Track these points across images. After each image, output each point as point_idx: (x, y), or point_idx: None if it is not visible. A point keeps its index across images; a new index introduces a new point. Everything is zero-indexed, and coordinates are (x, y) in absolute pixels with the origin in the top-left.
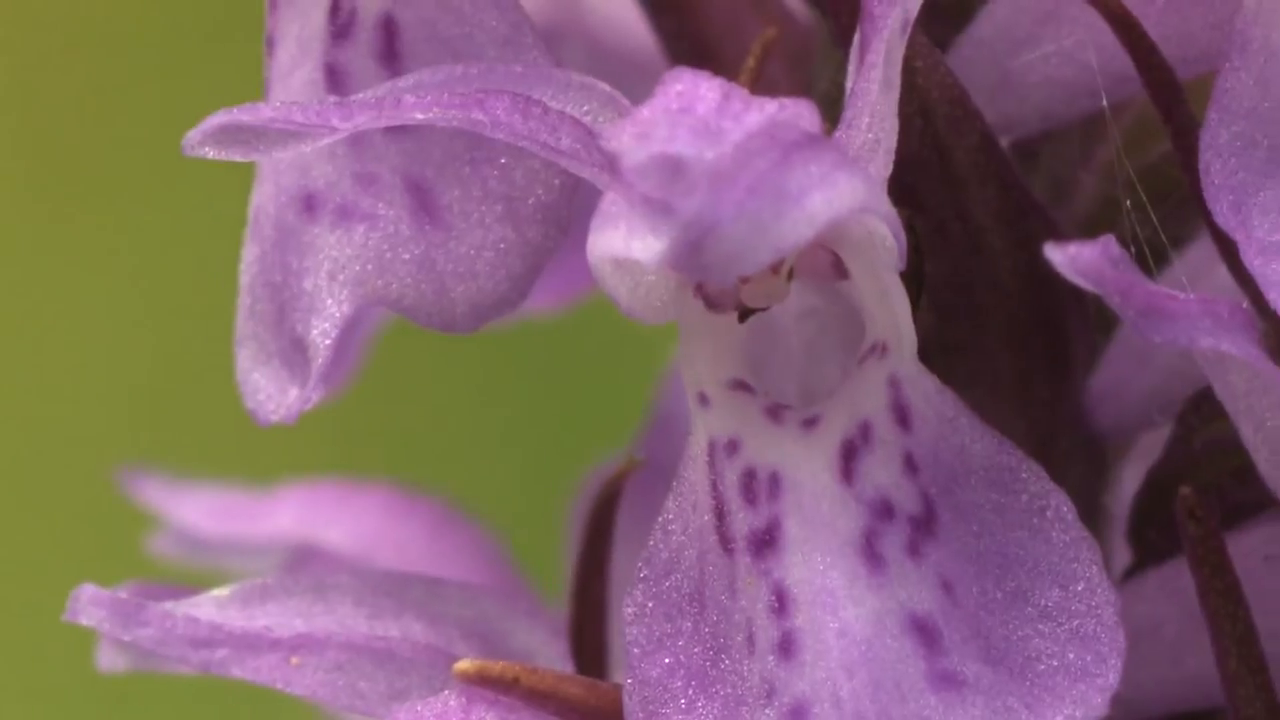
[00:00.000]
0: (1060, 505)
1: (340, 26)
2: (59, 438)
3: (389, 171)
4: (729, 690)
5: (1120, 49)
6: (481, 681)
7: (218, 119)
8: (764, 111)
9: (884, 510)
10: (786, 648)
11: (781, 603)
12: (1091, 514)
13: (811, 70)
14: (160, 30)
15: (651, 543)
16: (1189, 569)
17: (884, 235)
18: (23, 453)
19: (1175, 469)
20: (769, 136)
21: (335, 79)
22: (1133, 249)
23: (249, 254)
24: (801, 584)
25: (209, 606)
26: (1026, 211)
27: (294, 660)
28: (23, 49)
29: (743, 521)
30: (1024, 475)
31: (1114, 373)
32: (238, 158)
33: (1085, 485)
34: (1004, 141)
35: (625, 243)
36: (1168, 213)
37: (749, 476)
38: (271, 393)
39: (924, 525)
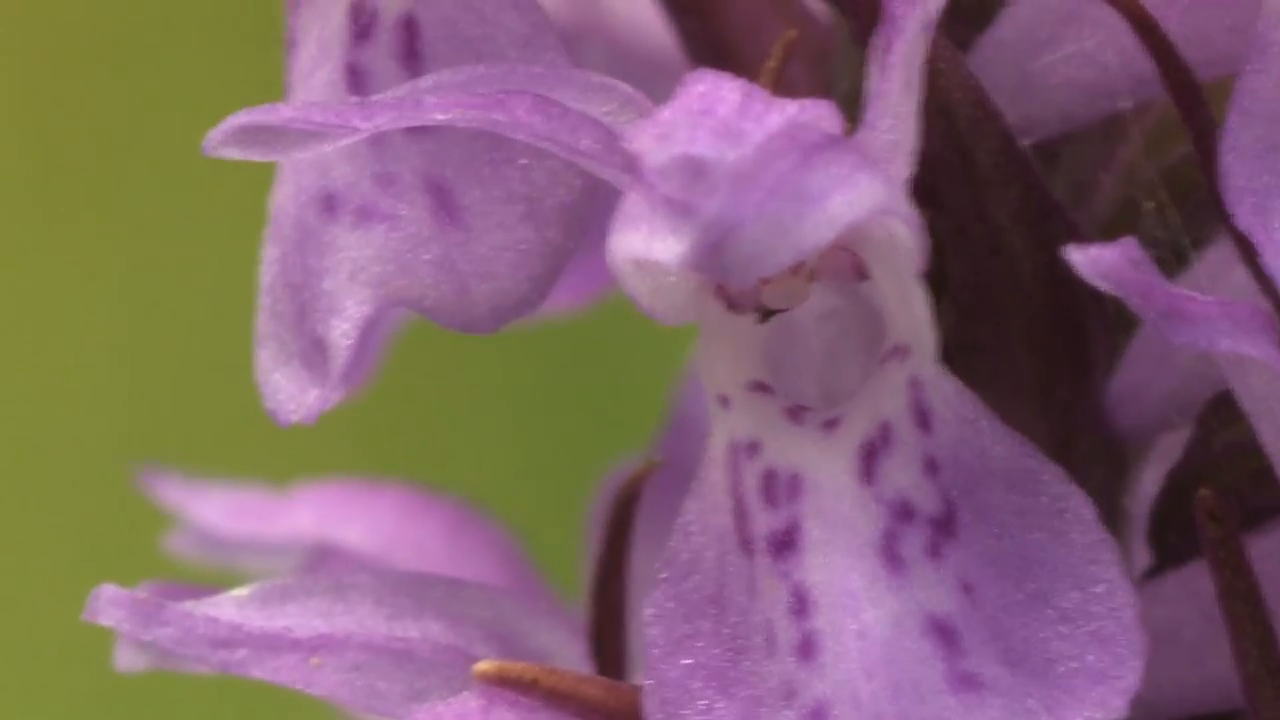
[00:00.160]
0: (1080, 507)
1: (361, 27)
2: (76, 437)
3: (409, 172)
4: (748, 691)
5: (1141, 51)
6: (501, 682)
7: (239, 119)
8: (785, 113)
9: (904, 512)
10: (806, 649)
11: (801, 604)
12: (1111, 516)
13: (832, 71)
14: (160, 30)
15: (671, 544)
16: (1209, 571)
17: (905, 236)
18: (40, 453)
19: (1195, 471)
20: (790, 138)
21: (356, 79)
22: (1153, 251)
23: (269, 254)
24: (821, 585)
25: (229, 606)
26: (1047, 213)
27: (314, 661)
28: (23, 49)
29: (763, 523)
30: (1044, 477)
31: (1134, 375)
32: (258, 158)
33: (1105, 487)
34: (1025, 143)
35: (646, 244)
36: (1188, 215)
37: (769, 478)
38: (292, 393)
39: (944, 527)
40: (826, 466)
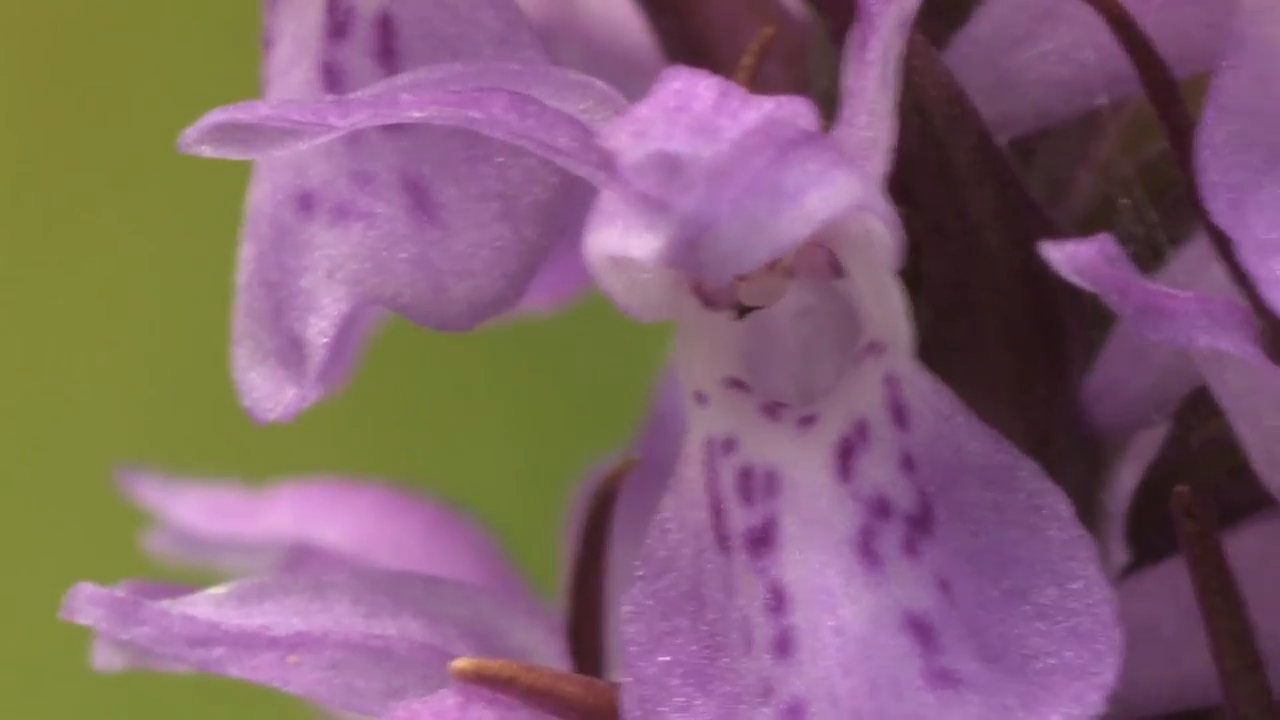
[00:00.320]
0: (1057, 504)
1: (337, 24)
2: (55, 437)
3: (386, 170)
4: (726, 688)
5: (1118, 48)
6: (479, 680)
7: (214, 117)
8: (761, 109)
9: (881, 508)
10: (783, 646)
11: (778, 601)
12: (1089, 513)
13: (808, 69)
14: (161, 30)
15: (648, 541)
16: (1186, 567)
17: (881, 233)
18: (19, 452)
19: (1172, 468)
20: (766, 134)
21: (332, 77)
22: (1130, 248)
23: (246, 252)
24: (798, 582)
25: (206, 605)
26: (1024, 210)
27: (291, 659)
28: (23, 49)
29: (740, 519)
30: (1021, 474)
31: (1111, 372)
32: (234, 156)
33: (1082, 484)
34: (1001, 140)
35: (622, 240)
36: (1165, 211)
37: (746, 475)
38: (269, 391)
39: (921, 523)
40: (803, 463)
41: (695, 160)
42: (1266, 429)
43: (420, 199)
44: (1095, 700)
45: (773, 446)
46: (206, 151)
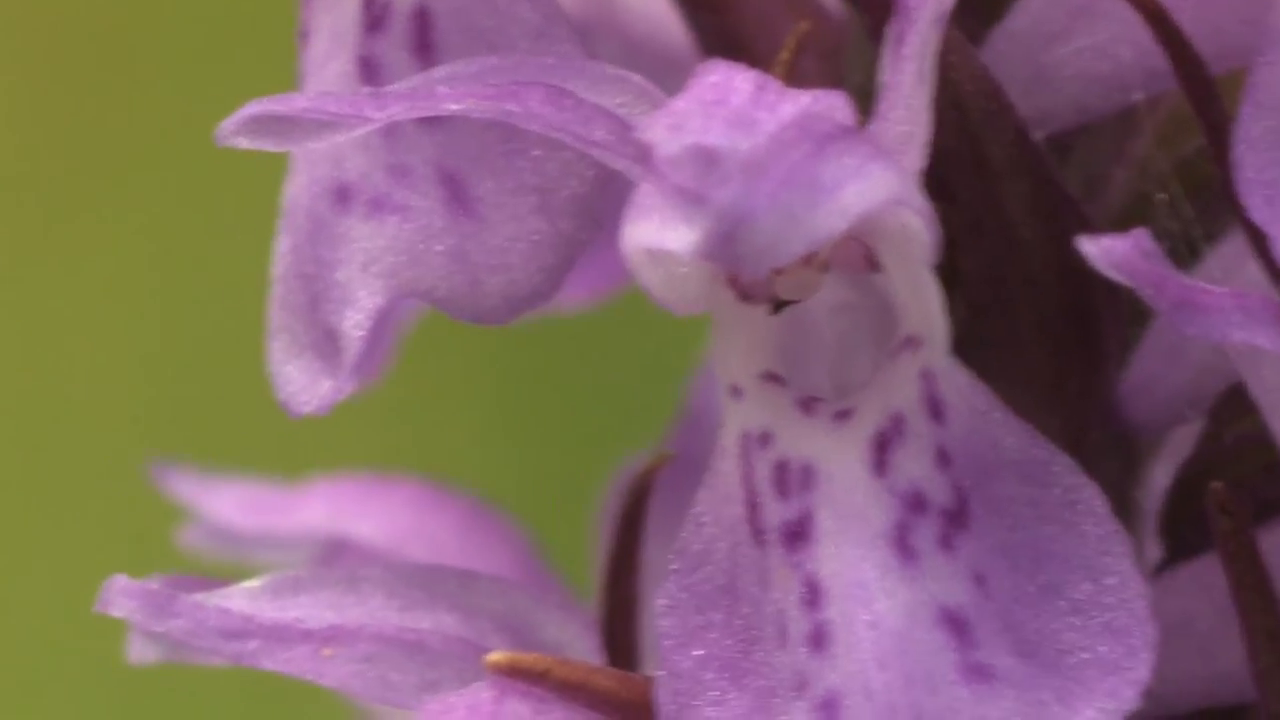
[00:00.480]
0: (1093, 499)
1: (374, 18)
2: (89, 431)
3: (422, 163)
4: (761, 682)
5: (1154, 44)
6: (513, 673)
7: (251, 108)
8: (798, 103)
9: (916, 503)
10: (818, 640)
11: (813, 595)
12: (1123, 509)
13: (844, 64)
14: (161, 30)
15: (683, 535)
16: (1220, 564)
17: (917, 228)
18: (53, 447)
19: (1207, 464)
20: (803, 128)
21: (369, 71)
22: (1166, 244)
23: (282, 245)
24: (833, 576)
25: (241, 598)
26: (1060, 206)
27: (325, 652)
28: (23, 49)
29: (775, 513)
30: (1056, 469)
31: (1147, 368)
32: (270, 148)
33: (1117, 480)
34: (1037, 136)
35: (659, 233)
36: (1201, 208)
37: (781, 469)
38: (304, 384)
39: (956, 518)
40: (838, 457)
41: (732, 153)
42: None
43: (457, 192)
44: (1130, 695)
45: (808, 440)
46: (243, 143)
